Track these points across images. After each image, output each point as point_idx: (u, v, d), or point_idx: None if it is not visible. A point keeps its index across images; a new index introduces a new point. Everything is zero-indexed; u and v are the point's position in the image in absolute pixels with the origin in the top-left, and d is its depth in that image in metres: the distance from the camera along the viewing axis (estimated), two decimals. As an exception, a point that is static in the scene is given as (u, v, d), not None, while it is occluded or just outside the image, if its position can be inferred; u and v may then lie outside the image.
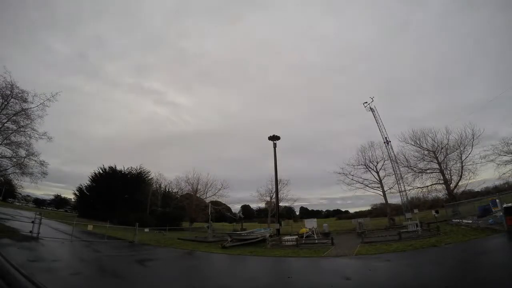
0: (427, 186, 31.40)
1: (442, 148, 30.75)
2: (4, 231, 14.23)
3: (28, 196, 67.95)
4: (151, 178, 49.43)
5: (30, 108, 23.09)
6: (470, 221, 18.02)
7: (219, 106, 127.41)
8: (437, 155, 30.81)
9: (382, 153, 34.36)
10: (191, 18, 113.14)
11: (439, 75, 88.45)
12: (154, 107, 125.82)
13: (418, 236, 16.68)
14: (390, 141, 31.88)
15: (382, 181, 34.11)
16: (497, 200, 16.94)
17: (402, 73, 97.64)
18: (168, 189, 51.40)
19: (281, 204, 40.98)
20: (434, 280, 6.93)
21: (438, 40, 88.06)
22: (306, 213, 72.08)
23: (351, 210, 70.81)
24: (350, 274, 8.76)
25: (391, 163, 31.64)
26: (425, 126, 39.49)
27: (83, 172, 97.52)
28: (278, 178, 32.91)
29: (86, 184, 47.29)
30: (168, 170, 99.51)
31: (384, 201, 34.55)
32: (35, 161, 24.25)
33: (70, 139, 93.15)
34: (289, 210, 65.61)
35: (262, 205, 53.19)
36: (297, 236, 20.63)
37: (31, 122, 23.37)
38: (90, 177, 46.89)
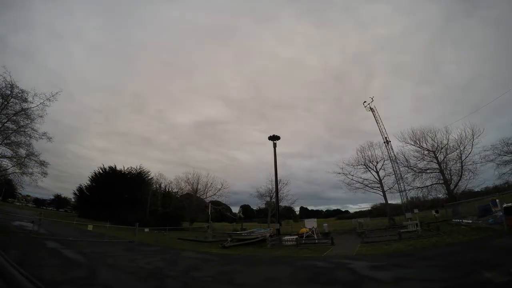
0: (427, 186, 31.35)
1: (442, 148, 30.72)
2: (4, 231, 14.23)
3: (28, 196, 68.03)
4: (151, 178, 49.44)
5: (30, 108, 23.07)
6: (470, 221, 18.05)
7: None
8: (437, 155, 30.77)
9: (382, 153, 34.42)
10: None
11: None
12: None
13: (418, 236, 16.70)
14: (390, 141, 31.94)
15: (382, 181, 34.14)
16: (497, 200, 16.93)
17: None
18: (168, 189, 51.31)
19: (280, 204, 40.97)
20: (434, 281, 6.94)
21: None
22: (306, 213, 72.11)
23: (351, 210, 71.00)
24: (350, 274, 8.75)
25: (391, 163, 31.68)
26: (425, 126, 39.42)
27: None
28: (278, 178, 33.00)
29: (86, 184, 47.38)
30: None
31: (384, 201, 34.58)
32: (35, 161, 24.24)
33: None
34: (289, 210, 65.56)
35: (262, 205, 53.16)
36: (297, 236, 20.66)
37: (31, 122, 23.35)
38: (90, 177, 46.99)
